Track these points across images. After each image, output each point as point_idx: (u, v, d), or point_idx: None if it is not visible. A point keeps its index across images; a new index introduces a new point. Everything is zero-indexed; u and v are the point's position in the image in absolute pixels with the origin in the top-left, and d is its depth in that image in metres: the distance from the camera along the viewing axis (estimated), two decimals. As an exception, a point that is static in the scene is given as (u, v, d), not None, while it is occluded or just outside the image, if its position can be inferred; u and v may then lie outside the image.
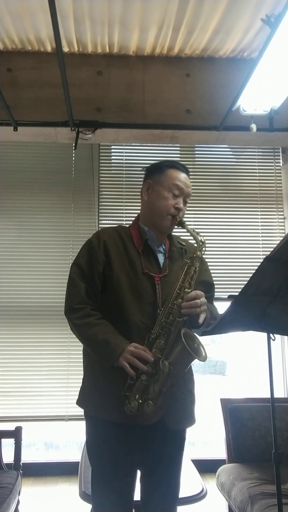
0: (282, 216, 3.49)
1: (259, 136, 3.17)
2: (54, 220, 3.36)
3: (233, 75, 3.13)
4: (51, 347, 3.19)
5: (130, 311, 1.44)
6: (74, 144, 3.12)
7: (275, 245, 1.22)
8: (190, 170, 1.61)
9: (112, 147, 3.50)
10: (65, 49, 3.10)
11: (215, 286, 1.66)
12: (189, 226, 1.52)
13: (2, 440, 2.43)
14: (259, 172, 3.55)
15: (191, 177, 1.59)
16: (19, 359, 3.17)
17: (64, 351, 3.18)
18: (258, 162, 3.56)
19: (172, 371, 1.33)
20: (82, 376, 1.54)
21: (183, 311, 1.39)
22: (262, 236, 3.46)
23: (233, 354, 4.25)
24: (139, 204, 1.64)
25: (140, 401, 1.35)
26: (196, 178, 3.43)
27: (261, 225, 3.47)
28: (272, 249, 1.22)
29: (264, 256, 1.22)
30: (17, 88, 3.07)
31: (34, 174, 3.41)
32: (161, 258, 1.55)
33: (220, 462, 2.43)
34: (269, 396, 1.41)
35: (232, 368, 4.34)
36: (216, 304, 1.64)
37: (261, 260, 1.22)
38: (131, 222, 1.65)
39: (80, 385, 1.54)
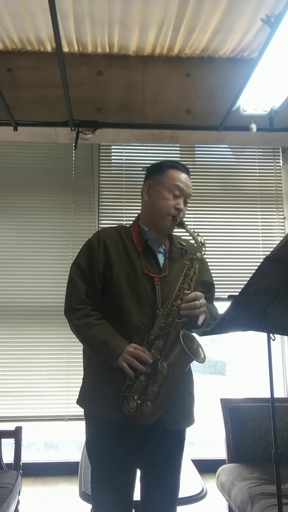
0: (282, 216, 3.49)
1: (259, 136, 3.17)
2: (54, 220, 3.36)
3: (233, 75, 3.13)
4: (51, 347, 3.19)
5: (130, 311, 1.44)
6: (74, 144, 3.12)
7: (275, 245, 1.22)
8: (190, 170, 1.60)
9: (112, 147, 3.50)
10: (65, 49, 3.10)
11: (215, 286, 1.66)
12: (189, 227, 1.51)
13: (2, 440, 2.43)
14: (259, 172, 3.55)
15: (191, 177, 1.59)
16: (19, 359, 3.17)
17: (64, 351, 3.18)
18: (258, 162, 3.56)
19: (170, 372, 1.33)
20: (82, 376, 1.54)
21: (182, 313, 1.39)
22: (262, 236, 3.46)
23: (233, 354, 4.25)
24: (139, 204, 1.64)
25: (139, 401, 1.35)
26: (196, 178, 3.43)
27: (261, 225, 3.47)
28: (272, 249, 1.22)
29: (264, 256, 1.22)
30: (17, 88, 3.07)
31: (34, 174, 3.41)
32: (161, 258, 1.55)
33: (220, 462, 2.43)
34: (269, 396, 1.41)
35: (232, 368, 4.34)
36: (216, 304, 1.63)
37: (261, 260, 1.22)
38: (131, 222, 1.65)
39: (80, 385, 1.54)
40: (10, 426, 2.46)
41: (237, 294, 1.29)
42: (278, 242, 1.35)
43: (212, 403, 2.66)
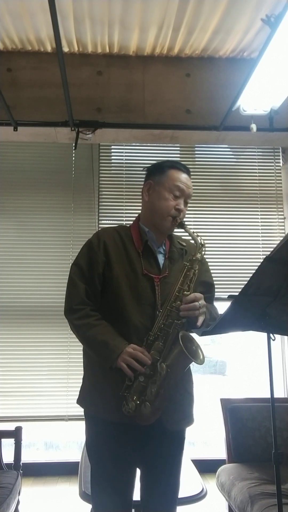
0: (282, 216, 3.49)
1: (259, 136, 3.17)
2: (54, 220, 3.36)
3: (233, 75, 3.13)
4: (51, 347, 3.19)
5: (129, 312, 1.44)
6: (74, 144, 3.12)
7: (275, 245, 1.22)
8: (190, 170, 1.60)
9: (112, 147, 3.50)
10: (65, 49, 3.10)
11: (215, 286, 1.66)
12: (189, 227, 1.51)
13: (2, 440, 2.43)
14: (259, 172, 3.55)
15: (191, 177, 1.59)
16: (19, 359, 3.17)
17: (64, 351, 3.18)
18: (258, 162, 3.56)
19: (169, 373, 1.34)
20: (82, 376, 1.54)
21: (181, 314, 1.39)
22: (262, 236, 3.46)
23: (233, 354, 4.26)
24: (139, 204, 1.64)
25: (138, 402, 1.35)
26: (196, 178, 3.43)
27: (261, 225, 3.47)
28: (272, 249, 1.22)
29: (264, 256, 1.22)
30: (17, 88, 3.07)
31: (34, 174, 3.41)
32: (161, 259, 1.55)
33: (220, 462, 2.43)
34: (269, 396, 1.41)
35: (232, 368, 4.34)
36: (216, 304, 1.63)
37: (261, 260, 1.22)
38: (131, 222, 1.65)
39: (80, 385, 1.54)
40: (10, 426, 2.46)
41: (237, 294, 1.29)
42: (278, 242, 1.35)
43: (212, 403, 2.66)
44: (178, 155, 3.57)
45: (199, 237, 1.49)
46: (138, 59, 3.19)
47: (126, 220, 3.34)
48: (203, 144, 3.48)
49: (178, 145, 3.51)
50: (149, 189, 1.57)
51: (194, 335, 1.46)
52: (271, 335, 1.40)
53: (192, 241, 1.52)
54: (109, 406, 1.40)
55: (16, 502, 2.22)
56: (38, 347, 3.19)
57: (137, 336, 1.42)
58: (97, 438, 1.47)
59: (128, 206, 3.38)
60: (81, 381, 1.54)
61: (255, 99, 2.63)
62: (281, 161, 3.57)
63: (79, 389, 1.54)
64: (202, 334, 1.45)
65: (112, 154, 3.52)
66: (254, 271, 1.24)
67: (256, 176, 3.54)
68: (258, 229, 3.47)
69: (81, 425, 1.55)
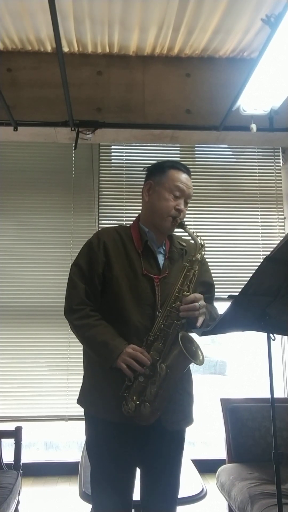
0: (282, 216, 3.49)
1: (259, 136, 3.17)
2: (54, 220, 3.36)
3: (233, 75, 3.13)
4: (51, 347, 3.19)
5: (129, 312, 1.44)
6: (74, 144, 3.12)
7: (275, 245, 1.22)
8: (190, 170, 1.60)
9: (112, 147, 3.50)
10: (65, 49, 3.10)
11: (215, 286, 1.66)
12: (189, 228, 1.51)
13: (2, 440, 2.43)
14: (259, 172, 3.55)
15: (191, 177, 1.59)
16: (19, 359, 3.17)
17: (64, 351, 3.18)
18: (258, 162, 3.56)
19: (169, 374, 1.34)
20: (82, 376, 1.54)
21: (181, 314, 1.39)
22: (262, 236, 3.46)
23: (233, 354, 4.26)
24: (139, 204, 1.64)
25: (138, 402, 1.36)
26: (196, 178, 3.43)
27: (261, 225, 3.47)
28: (272, 249, 1.22)
29: (264, 256, 1.22)
30: (17, 88, 3.07)
31: (34, 174, 3.41)
32: (161, 259, 1.55)
33: (220, 462, 2.43)
34: (269, 396, 1.40)
35: (232, 368, 4.35)
36: (216, 304, 1.63)
37: (261, 260, 1.22)
38: (131, 222, 1.65)
39: (80, 385, 1.54)
40: (10, 426, 2.46)
41: (237, 294, 1.29)
42: (278, 242, 1.35)
43: (212, 403, 2.66)
44: (178, 155, 3.57)
45: (199, 238, 1.49)
46: (138, 59, 3.19)
47: (126, 220, 3.34)
48: (203, 144, 3.48)
49: (178, 145, 3.51)
50: (149, 189, 1.57)
51: (194, 335, 1.46)
52: (271, 335, 1.40)
53: (192, 242, 1.52)
54: (109, 406, 1.40)
55: (16, 502, 2.22)
56: (38, 347, 3.19)
57: (137, 337, 1.42)
58: (97, 438, 1.47)
59: (128, 206, 3.38)
60: (81, 381, 1.54)
61: (255, 99, 2.63)
62: (281, 161, 3.57)
63: (79, 389, 1.54)
64: (202, 334, 1.45)
65: (112, 154, 3.52)
66: (254, 271, 1.24)
67: (256, 176, 3.54)
68: (258, 229, 3.47)
69: (81, 425, 1.55)
